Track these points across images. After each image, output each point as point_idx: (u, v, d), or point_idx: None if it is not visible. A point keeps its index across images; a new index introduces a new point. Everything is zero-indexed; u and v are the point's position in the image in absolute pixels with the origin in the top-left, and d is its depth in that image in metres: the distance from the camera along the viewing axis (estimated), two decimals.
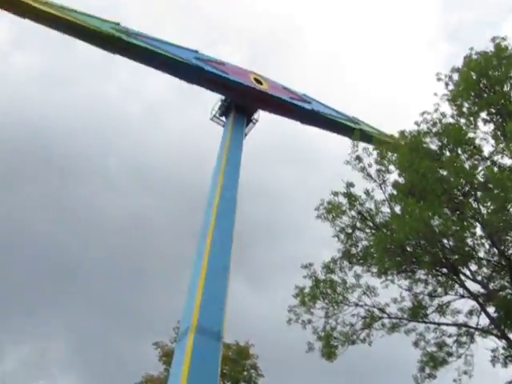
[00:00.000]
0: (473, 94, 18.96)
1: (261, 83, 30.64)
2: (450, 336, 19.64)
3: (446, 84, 19.66)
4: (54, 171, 56.08)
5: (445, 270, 18.96)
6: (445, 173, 18.65)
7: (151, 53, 28.15)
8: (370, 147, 20.45)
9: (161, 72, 30.62)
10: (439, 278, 19.37)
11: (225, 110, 31.47)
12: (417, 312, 19.23)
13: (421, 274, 19.40)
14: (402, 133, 19.96)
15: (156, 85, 63.07)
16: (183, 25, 67.98)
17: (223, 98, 30.52)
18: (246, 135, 30.62)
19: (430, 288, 19.55)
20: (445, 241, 18.47)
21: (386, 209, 19.97)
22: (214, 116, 31.21)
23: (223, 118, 31.60)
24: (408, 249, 18.85)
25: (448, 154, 19.03)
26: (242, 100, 30.56)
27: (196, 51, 31.48)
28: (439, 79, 19.83)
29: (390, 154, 19.90)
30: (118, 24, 28.00)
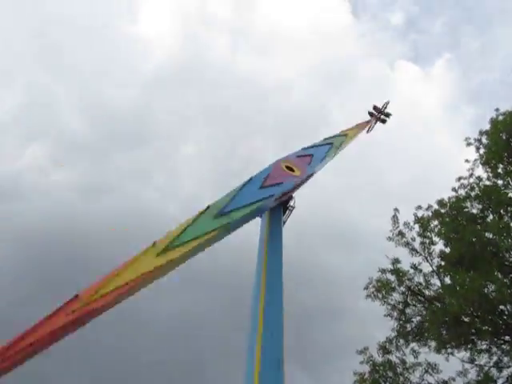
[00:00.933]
0: (506, 154, 19.03)
1: (293, 170, 28.81)
2: None
3: (477, 148, 19.52)
4: (95, 278, 52.65)
5: (508, 338, 18.97)
6: (491, 235, 18.57)
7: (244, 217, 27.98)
8: (411, 221, 19.77)
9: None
10: (503, 346, 19.20)
11: None
12: None
13: (482, 344, 19.22)
14: (441, 201, 19.49)
15: (191, 185, 62.90)
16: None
17: None
18: (284, 223, 28.89)
19: (494, 358, 19.14)
20: (503, 307, 18.48)
21: (435, 281, 19.44)
22: None
23: None
24: (465, 319, 18.51)
25: (491, 216, 18.99)
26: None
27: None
28: (469, 144, 19.71)
29: (432, 224, 19.32)
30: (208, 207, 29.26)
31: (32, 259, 58.22)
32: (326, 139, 25.35)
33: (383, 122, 22.25)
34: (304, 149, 28.81)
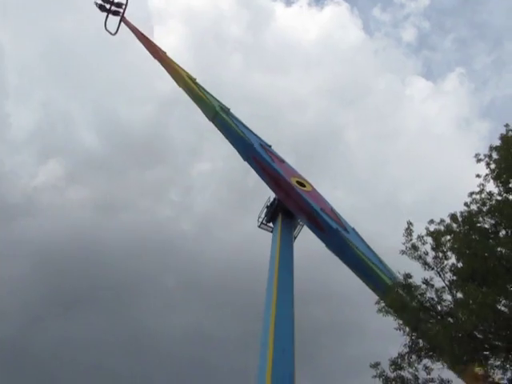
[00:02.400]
0: None
1: (304, 185, 30.29)
2: None
3: (487, 164, 19.52)
4: (110, 294, 58.97)
5: None
6: (503, 250, 18.51)
7: (229, 125, 35.93)
8: (424, 235, 19.74)
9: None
10: None
11: (271, 216, 32.28)
12: None
13: (496, 360, 19.07)
14: (453, 216, 19.49)
15: (205, 201, 65.18)
16: None
17: (268, 204, 30.61)
18: (295, 238, 30.13)
19: (509, 374, 19.14)
20: None
21: (447, 296, 19.36)
22: (262, 223, 31.29)
23: (271, 224, 32.21)
24: (478, 335, 18.42)
25: (503, 231, 18.95)
26: (279, 193, 31.76)
27: (269, 146, 36.91)
28: (479, 160, 19.71)
29: (444, 239, 19.33)
30: (229, 110, 38.94)
31: (47, 274, 58.80)
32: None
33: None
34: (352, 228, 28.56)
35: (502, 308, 18.06)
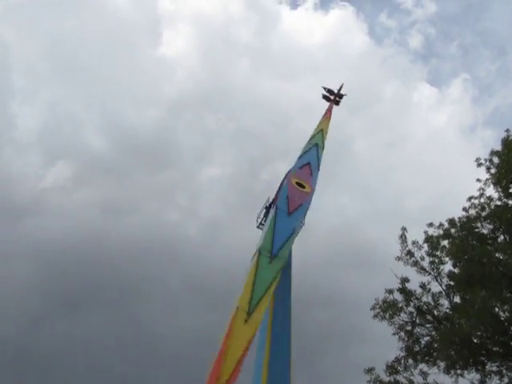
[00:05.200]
0: None
1: (303, 186, 29.40)
2: None
3: (488, 168, 19.46)
4: (115, 295, 57.10)
5: None
6: (501, 256, 18.42)
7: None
8: (419, 239, 19.81)
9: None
10: None
11: None
12: None
13: (493, 365, 18.93)
14: (452, 220, 19.42)
15: (212, 206, 64.94)
16: None
17: (267, 205, 29.67)
18: None
19: (505, 380, 19.05)
20: None
21: (444, 301, 19.28)
22: (261, 224, 30.12)
23: None
24: (475, 340, 18.32)
25: (502, 237, 18.86)
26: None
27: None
28: (480, 164, 19.64)
29: (441, 243, 19.28)
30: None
31: (53, 274, 59.14)
32: (309, 140, 26.28)
33: (337, 103, 22.92)
34: (300, 158, 28.92)
35: (500, 314, 17.94)
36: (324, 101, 23.72)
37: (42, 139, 77.44)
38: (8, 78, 76.64)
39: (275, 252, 17.04)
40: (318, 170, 31.02)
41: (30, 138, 78.35)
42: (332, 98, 23.29)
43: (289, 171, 27.75)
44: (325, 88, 23.72)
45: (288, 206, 29.14)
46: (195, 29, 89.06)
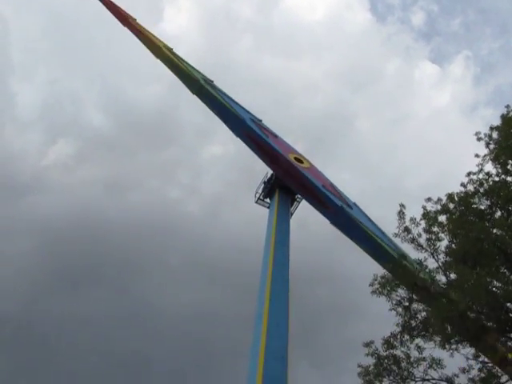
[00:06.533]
0: None
1: (302, 162, 29.79)
2: None
3: (487, 143, 19.36)
4: (115, 271, 59.03)
5: None
6: (498, 232, 18.38)
7: (216, 100, 33.37)
8: (418, 217, 19.78)
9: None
10: (509, 343, 19.18)
11: (268, 192, 31.74)
12: (489, 382, 18.13)
13: (488, 340, 19.05)
14: (450, 195, 19.36)
15: (214, 184, 65.42)
16: None
17: (266, 180, 30.08)
18: (292, 214, 29.94)
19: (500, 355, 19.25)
20: (509, 304, 18.28)
21: (441, 277, 19.31)
22: (259, 198, 31.04)
23: (268, 200, 31.72)
24: (470, 316, 18.39)
25: (499, 213, 18.82)
26: (277, 170, 30.94)
27: (260, 120, 35.13)
28: (479, 139, 19.56)
29: (439, 219, 19.25)
30: (212, 82, 36.46)
31: (54, 251, 59.40)
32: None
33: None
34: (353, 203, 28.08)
35: (495, 289, 17.97)
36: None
37: (43, 117, 77.12)
38: (7, 53, 76.06)
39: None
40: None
41: (30, 116, 78.06)
42: None
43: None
44: None
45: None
46: (197, 5, 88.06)
